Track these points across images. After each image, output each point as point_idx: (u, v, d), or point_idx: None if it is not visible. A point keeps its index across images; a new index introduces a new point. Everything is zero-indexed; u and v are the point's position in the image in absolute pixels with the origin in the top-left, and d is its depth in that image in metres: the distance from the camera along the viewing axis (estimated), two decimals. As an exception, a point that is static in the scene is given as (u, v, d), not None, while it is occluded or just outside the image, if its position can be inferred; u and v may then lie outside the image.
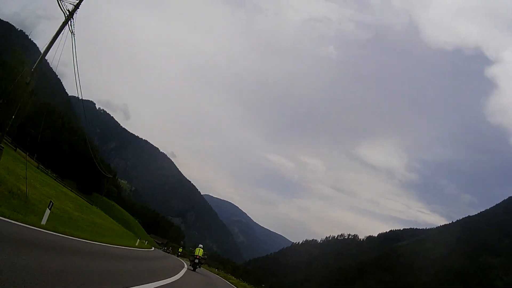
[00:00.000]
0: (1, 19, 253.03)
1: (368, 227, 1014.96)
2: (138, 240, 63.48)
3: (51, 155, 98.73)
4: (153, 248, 73.26)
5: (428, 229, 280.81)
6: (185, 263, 39.57)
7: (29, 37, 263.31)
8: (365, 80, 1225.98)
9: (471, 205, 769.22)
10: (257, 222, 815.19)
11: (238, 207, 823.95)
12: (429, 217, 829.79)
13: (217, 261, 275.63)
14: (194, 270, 33.99)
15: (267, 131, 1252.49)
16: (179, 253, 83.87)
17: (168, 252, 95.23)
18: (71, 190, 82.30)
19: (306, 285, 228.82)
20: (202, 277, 31.02)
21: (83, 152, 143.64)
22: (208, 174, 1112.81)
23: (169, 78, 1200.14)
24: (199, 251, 35.62)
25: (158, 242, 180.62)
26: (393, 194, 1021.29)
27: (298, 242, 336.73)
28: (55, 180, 78.36)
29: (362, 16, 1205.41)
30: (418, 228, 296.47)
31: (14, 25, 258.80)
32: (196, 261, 34.85)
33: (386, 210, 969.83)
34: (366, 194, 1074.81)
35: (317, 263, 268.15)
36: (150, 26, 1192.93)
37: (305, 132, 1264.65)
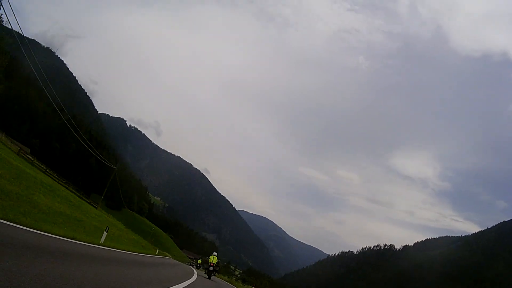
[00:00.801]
0: (27, 36, 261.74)
1: (403, 237, 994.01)
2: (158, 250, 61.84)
3: (78, 169, 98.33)
4: (170, 258, 71.03)
5: (463, 236, 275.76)
6: (195, 271, 37.75)
7: (56, 54, 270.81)
8: (396, 90, 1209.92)
9: (505, 211, 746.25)
10: (292, 236, 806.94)
11: (273, 222, 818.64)
12: (462, 225, 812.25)
13: (253, 275, 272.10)
14: (209, 278, 34.06)
15: (300, 145, 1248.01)
16: (198, 265, 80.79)
17: (195, 266, 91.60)
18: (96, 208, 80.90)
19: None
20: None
21: (112, 168, 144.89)
22: (243, 189, 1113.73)
23: (202, 95, 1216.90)
24: (213, 259, 35.54)
25: (190, 257, 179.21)
26: (427, 204, 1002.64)
27: (334, 254, 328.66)
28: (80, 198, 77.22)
29: (390, 26, 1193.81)
30: (453, 235, 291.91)
31: (41, 43, 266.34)
32: (211, 268, 34.86)
33: (420, 220, 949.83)
34: (401, 204, 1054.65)
35: (354, 274, 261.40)
36: (181, 43, 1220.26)
37: (339, 145, 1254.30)
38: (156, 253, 53.93)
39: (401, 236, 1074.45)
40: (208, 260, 36.07)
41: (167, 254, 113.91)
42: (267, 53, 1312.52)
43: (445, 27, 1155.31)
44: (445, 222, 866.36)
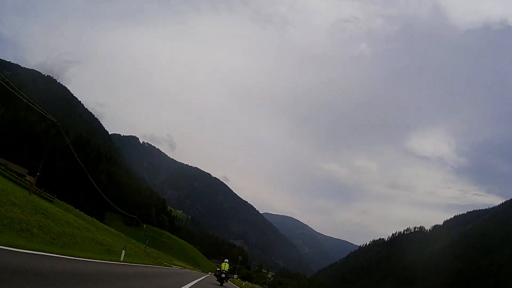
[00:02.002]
0: (26, 67, 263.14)
1: (429, 219, 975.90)
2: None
3: (88, 187, 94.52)
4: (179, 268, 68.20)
5: (490, 208, 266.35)
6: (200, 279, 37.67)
7: (58, 81, 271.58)
8: (402, 73, 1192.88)
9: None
10: (319, 232, 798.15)
11: (298, 220, 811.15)
12: (486, 198, 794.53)
13: (288, 276, 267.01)
14: (221, 284, 34.67)
15: (314, 141, 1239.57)
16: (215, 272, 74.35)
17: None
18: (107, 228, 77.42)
19: (381, 285, 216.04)
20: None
21: (126, 183, 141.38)
22: (264, 192, 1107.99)
23: (210, 104, 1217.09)
24: (225, 266, 36.39)
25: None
26: (447, 182, 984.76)
27: (366, 244, 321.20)
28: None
29: (387, 9, 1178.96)
30: (480, 209, 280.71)
31: (41, 72, 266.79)
32: (223, 275, 35.63)
33: (443, 199, 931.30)
34: (422, 186, 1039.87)
35: (388, 261, 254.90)
36: (183, 55, 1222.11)
37: (352, 135, 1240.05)
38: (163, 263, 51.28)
39: (427, 218, 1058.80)
40: (220, 267, 36.79)
41: (183, 264, 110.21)
42: (269, 54, 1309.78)
43: (442, 3, 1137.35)
44: (467, 198, 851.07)
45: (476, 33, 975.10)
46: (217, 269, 74.29)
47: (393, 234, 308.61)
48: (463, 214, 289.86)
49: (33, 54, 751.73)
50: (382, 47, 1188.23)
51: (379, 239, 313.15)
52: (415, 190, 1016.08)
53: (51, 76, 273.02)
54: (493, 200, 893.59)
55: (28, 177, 62.30)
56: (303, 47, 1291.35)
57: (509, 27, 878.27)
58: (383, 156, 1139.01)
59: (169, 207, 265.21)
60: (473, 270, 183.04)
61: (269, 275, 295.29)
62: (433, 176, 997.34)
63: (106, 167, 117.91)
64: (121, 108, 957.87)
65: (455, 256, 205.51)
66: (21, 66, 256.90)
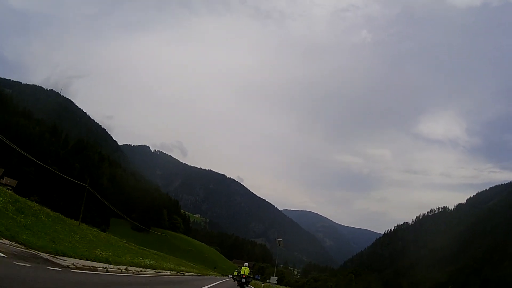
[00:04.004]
0: (28, 83, 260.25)
1: (448, 200, 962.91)
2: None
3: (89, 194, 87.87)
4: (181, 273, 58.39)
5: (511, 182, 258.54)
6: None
7: (61, 94, 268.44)
8: (406, 57, 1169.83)
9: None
10: (340, 223, 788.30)
11: (317, 214, 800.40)
12: (501, 175, 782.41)
13: (316, 270, 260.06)
14: None
15: (325, 133, 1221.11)
16: (234, 276, 61.49)
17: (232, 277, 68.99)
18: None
19: (411, 271, 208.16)
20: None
21: (133, 187, 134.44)
22: (281, 189, 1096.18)
23: (216, 105, 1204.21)
24: (245, 270, 35.91)
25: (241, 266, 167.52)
26: (461, 162, 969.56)
27: (390, 229, 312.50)
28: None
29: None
30: (503, 183, 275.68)
31: (43, 87, 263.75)
32: (243, 280, 34.87)
33: (459, 179, 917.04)
34: (437, 169, 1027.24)
35: (414, 244, 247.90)
36: (185, 59, 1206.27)
37: (363, 124, 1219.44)
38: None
39: (446, 199, 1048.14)
40: (240, 272, 36.26)
41: (198, 267, 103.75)
42: (272, 50, 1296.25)
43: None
44: (483, 176, 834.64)
45: (476, 11, 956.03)
46: (235, 272, 64.94)
47: (416, 217, 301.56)
48: (486, 190, 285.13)
49: (36, 72, 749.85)
50: (384, 32, 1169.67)
51: (404, 223, 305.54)
52: (430, 173, 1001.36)
53: (54, 90, 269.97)
54: (509, 176, 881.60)
55: (6, 179, 55.08)
56: (304, 40, 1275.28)
57: (508, 1, 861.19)
58: (395, 142, 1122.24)
59: (186, 212, 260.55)
60: (507, 243, 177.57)
61: (295, 272, 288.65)
62: (446, 158, 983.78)
63: (108, 170, 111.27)
64: (129, 118, 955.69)
65: (484, 233, 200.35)
66: (22, 83, 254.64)
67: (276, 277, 67.60)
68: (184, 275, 47.65)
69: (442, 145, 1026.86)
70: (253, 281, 62.17)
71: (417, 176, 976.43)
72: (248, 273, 35.89)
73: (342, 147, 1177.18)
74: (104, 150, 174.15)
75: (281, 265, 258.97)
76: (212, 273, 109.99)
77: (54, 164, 74.91)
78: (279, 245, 74.43)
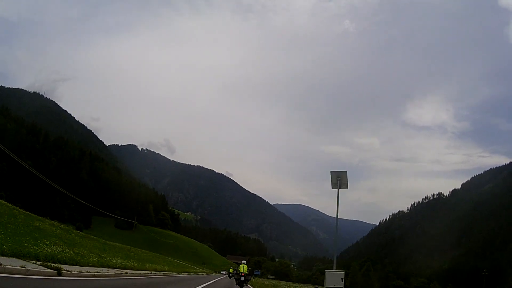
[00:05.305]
0: (11, 87, 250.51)
1: (440, 186, 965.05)
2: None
3: (67, 186, 79.14)
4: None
5: (507, 164, 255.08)
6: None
7: (44, 96, 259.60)
8: (390, 45, 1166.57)
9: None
10: (331, 215, 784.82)
11: (309, 207, 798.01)
12: (491, 159, 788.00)
13: (314, 262, 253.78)
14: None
15: (311, 125, 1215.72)
16: (230, 274, 58.60)
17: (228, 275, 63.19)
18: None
19: (411, 258, 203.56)
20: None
21: (116, 182, 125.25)
22: (271, 183, 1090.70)
23: (202, 102, 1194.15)
24: (243, 268, 34.07)
25: (237, 262, 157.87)
26: (450, 148, 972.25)
27: (386, 219, 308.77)
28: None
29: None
30: (497, 166, 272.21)
31: (27, 90, 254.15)
32: (242, 278, 33.00)
33: (450, 165, 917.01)
34: (427, 156, 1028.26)
35: (412, 232, 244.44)
36: (169, 58, 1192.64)
37: (350, 114, 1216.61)
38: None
39: (438, 186, 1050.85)
40: (238, 270, 34.73)
41: (192, 266, 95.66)
42: (255, 45, 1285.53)
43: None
44: (473, 161, 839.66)
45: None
46: (230, 270, 67.34)
47: (411, 205, 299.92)
48: (480, 174, 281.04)
49: (21, 78, 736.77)
50: (366, 21, 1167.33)
51: (399, 211, 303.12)
52: (420, 160, 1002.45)
53: (38, 92, 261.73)
54: (499, 160, 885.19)
55: None
56: (287, 33, 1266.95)
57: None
58: (384, 130, 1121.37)
59: (175, 209, 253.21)
60: (506, 228, 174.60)
61: (291, 265, 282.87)
62: (436, 145, 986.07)
63: (88, 165, 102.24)
64: (116, 119, 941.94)
65: (485, 217, 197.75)
66: (6, 87, 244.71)
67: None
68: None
69: (430, 131, 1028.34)
70: (259, 280, 60.87)
71: (407, 164, 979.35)
72: (247, 271, 33.83)
73: (330, 138, 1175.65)
74: (91, 150, 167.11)
75: (277, 259, 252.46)
76: (195, 270, 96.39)
77: (29, 159, 67.16)
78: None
